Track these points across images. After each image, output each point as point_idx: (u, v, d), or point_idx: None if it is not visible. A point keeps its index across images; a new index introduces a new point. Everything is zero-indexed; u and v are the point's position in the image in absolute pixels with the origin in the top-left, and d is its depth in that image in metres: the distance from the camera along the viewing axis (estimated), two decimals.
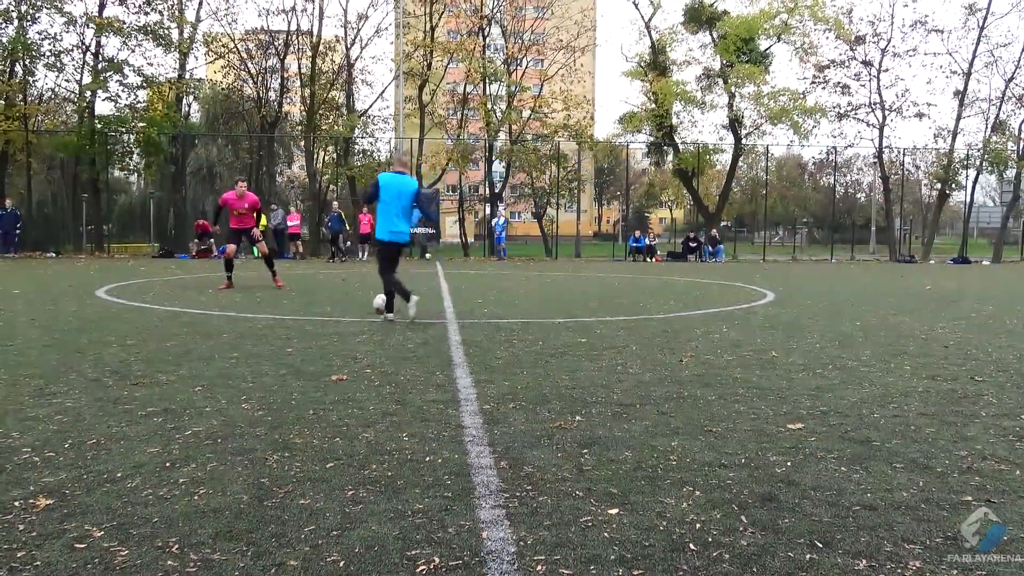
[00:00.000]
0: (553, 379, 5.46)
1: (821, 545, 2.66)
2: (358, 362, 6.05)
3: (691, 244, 31.98)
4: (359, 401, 4.71)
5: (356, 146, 35.53)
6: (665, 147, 36.74)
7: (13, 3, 29.34)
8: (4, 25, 29.73)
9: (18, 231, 26.76)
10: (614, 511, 2.94)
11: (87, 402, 4.60)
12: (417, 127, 34.29)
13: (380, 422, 4.21)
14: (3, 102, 30.19)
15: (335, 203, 29.01)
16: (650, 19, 35.71)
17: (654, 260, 30.54)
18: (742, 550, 2.61)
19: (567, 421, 4.28)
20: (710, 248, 31.59)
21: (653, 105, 34.57)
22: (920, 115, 34.58)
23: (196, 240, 28.10)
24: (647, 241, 32.20)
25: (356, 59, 34.76)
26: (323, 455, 3.60)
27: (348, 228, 27.25)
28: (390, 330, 8.03)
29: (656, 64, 35.54)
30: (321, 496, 3.06)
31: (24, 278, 15.65)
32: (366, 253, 27.99)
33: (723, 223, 39.42)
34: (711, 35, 35.45)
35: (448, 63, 35.14)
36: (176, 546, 2.57)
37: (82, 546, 2.57)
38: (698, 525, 2.82)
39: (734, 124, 34.89)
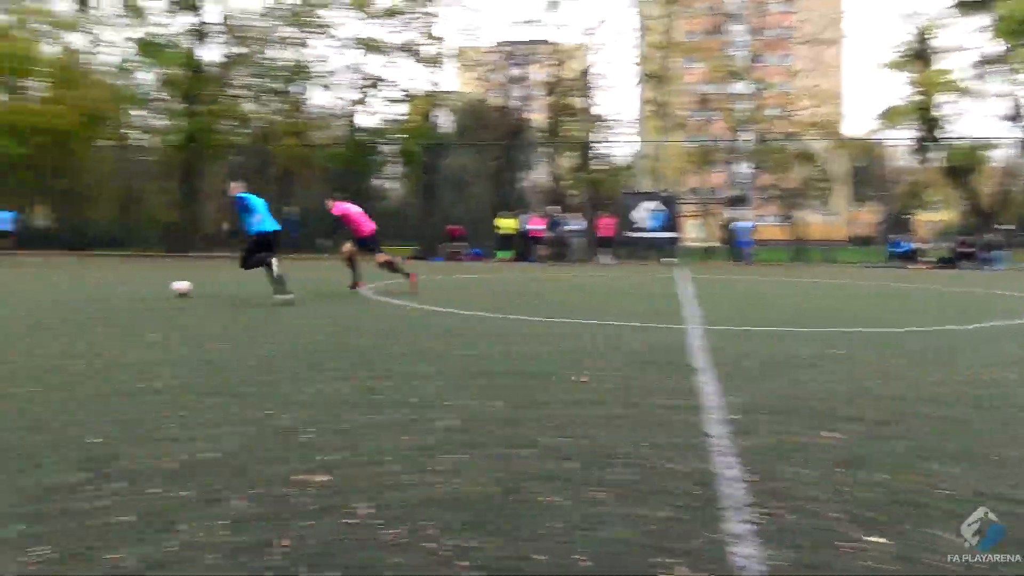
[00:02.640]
0: (805, 391, 5.17)
1: None
2: (598, 364, 6.11)
3: (963, 250, 28.78)
4: (599, 403, 4.75)
5: (596, 150, 36.01)
6: (931, 143, 33.52)
7: (293, 32, 33.06)
8: (285, 51, 33.62)
9: (296, 235, 29.93)
10: (873, 538, 2.72)
11: (348, 390, 5.03)
12: (657, 130, 34.06)
13: (621, 425, 4.22)
14: (285, 120, 34.15)
15: (557, 207, 29.57)
16: (914, 4, 32.79)
17: (919, 267, 27.91)
18: None
19: (820, 436, 4.03)
20: (986, 254, 28.28)
21: (918, 97, 31.66)
22: None
23: (447, 243, 29.88)
24: (910, 246, 29.42)
25: (596, 64, 35.24)
26: (564, 455, 3.67)
27: (570, 229, 27.58)
28: (629, 334, 8.03)
29: (921, 53, 32.54)
30: (564, 495, 3.12)
31: (301, 279, 17.51)
32: (610, 257, 28.17)
33: (1004, 226, 35.18)
34: (987, 17, 31.82)
35: (689, 63, 34.56)
36: (433, 529, 2.74)
37: (352, 521, 2.82)
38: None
39: (1016, 115, 31.04)
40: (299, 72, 32.90)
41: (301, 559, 2.50)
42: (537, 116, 39.02)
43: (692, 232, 39.17)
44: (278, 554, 2.53)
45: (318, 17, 32.84)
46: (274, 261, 10.99)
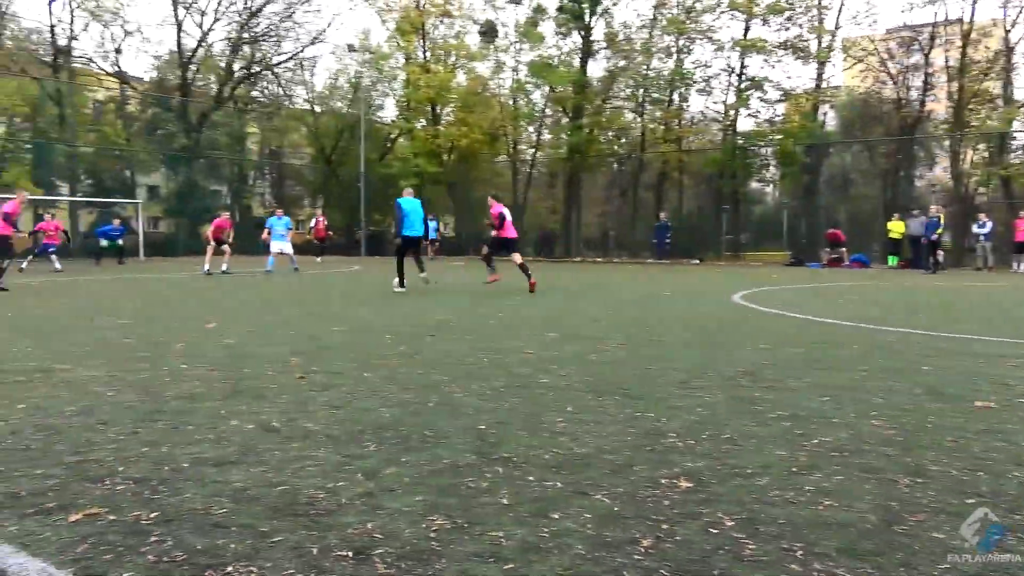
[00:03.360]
0: None
1: None
2: (1010, 389, 5.27)
3: None
4: (1010, 434, 4.09)
5: (1015, 142, 31.17)
6: None
7: (673, 40, 33.52)
8: (666, 60, 34.23)
9: (668, 240, 30.37)
10: None
11: (722, 398, 4.95)
12: None
13: None
14: (663, 127, 34.80)
15: (933, 207, 25.68)
16: None
17: None
18: None
19: None
20: None
21: None
22: None
23: (827, 249, 28.09)
24: None
25: (1017, 41, 30.50)
26: (963, 489, 3.22)
27: (940, 232, 23.88)
28: None
29: None
30: (959, 533, 2.74)
31: (671, 281, 17.73)
32: (1022, 265, 24.32)
33: None
34: None
35: None
36: (800, 552, 2.59)
37: (715, 531, 2.77)
38: None
39: None
40: (679, 79, 33.35)
41: (662, 561, 2.52)
42: (937, 106, 34.97)
43: None
44: (639, 553, 2.57)
45: (699, 24, 32.99)
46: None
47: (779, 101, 33.52)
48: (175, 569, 2.44)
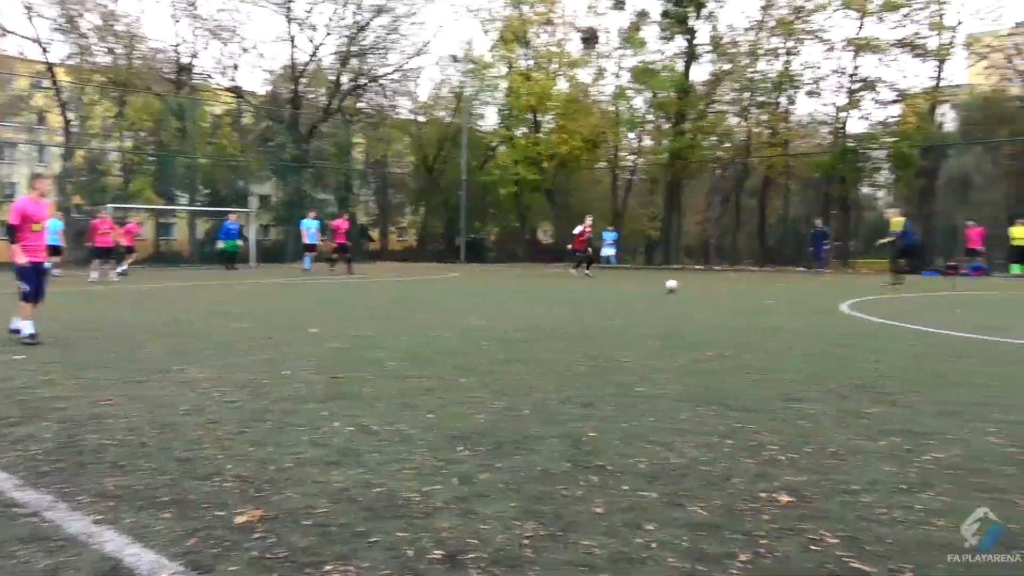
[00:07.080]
0: None
1: None
2: None
3: None
4: None
5: None
6: None
7: (781, 41, 32.55)
8: (773, 62, 33.28)
9: (826, 247, 28.52)
10: None
11: (828, 412, 4.76)
12: None
13: None
14: (769, 131, 33.85)
15: None
16: None
17: None
18: None
19: None
20: None
21: None
22: None
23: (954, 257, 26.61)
24: None
25: None
26: None
27: None
28: None
29: None
30: None
31: (775, 290, 17.21)
32: None
33: None
34: None
35: None
36: (909, 573, 2.46)
37: (816, 548, 2.66)
38: None
39: None
40: (786, 82, 32.36)
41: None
42: None
43: None
44: (736, 568, 2.50)
45: (809, 23, 31.92)
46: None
47: (894, 102, 32.04)
48: (276, 565, 2.53)
